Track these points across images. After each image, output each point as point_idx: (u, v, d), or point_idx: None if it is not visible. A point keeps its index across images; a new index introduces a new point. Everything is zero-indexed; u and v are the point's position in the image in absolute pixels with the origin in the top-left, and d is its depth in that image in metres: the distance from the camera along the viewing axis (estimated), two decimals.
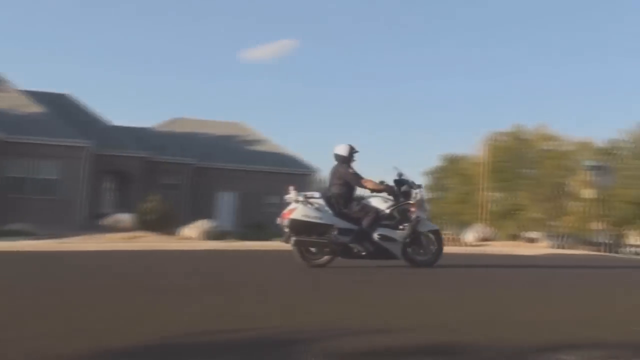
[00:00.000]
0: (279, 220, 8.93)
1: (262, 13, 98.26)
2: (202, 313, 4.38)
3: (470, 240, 24.35)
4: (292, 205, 8.74)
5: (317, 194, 8.92)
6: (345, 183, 8.93)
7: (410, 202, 9.02)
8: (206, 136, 39.74)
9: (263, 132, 43.18)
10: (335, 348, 3.28)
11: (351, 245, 8.67)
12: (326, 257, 8.74)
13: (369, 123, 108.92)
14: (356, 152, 9.19)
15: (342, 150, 9.13)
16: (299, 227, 8.59)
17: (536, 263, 11.80)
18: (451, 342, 3.51)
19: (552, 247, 32.61)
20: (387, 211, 8.94)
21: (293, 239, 8.59)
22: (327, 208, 8.71)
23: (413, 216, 8.93)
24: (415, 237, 8.96)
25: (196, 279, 7.06)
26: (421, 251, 9.03)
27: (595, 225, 35.02)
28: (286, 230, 8.65)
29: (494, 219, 49.20)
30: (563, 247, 36.97)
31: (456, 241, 23.94)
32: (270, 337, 3.57)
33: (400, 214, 8.97)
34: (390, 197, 9.06)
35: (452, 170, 60.54)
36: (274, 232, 14.79)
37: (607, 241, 47.92)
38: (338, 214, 8.74)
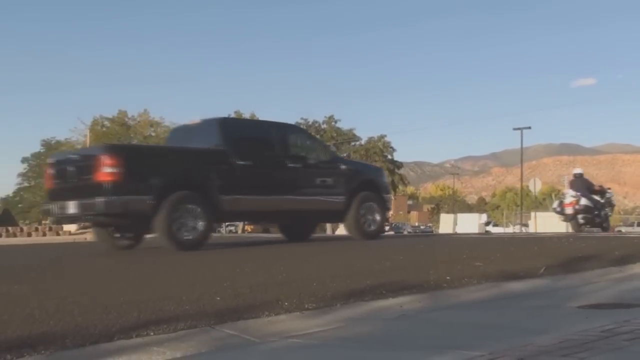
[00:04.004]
0: (558, 208, 15.89)
1: None
2: None
3: (72, 229, 23.21)
4: (571, 199, 15.50)
5: (579, 192, 15.67)
6: (587, 187, 16.00)
7: (608, 196, 16.25)
8: None
9: None
10: None
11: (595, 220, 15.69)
12: (583, 227, 15.47)
13: None
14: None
15: (581, 170, 16.62)
16: (584, 210, 15.34)
17: None
18: None
19: None
20: (602, 201, 15.98)
21: (581, 215, 15.33)
22: None
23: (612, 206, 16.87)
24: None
25: None
26: (604, 224, 15.92)
27: None
28: (572, 212, 15.37)
29: None
30: None
31: (56, 231, 22.53)
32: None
33: (607, 203, 16.20)
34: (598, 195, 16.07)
35: None
36: None
37: None
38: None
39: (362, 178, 10.93)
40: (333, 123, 58.65)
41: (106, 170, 8.28)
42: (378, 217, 10.80)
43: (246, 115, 56.91)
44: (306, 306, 3.96)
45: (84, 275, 6.42)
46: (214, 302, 4.08)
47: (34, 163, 61.84)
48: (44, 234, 21.49)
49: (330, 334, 3.51)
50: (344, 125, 59.65)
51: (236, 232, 56.01)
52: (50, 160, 10.12)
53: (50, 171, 9.56)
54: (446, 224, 50.18)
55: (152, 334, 3.27)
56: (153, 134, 53.83)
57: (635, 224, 47.35)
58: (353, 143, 59.00)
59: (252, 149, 9.89)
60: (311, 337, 3.43)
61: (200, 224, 8.83)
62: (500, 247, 8.19)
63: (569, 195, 15.95)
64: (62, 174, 9.17)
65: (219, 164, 9.37)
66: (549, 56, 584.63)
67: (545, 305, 4.28)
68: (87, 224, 24.10)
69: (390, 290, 4.45)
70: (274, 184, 9.88)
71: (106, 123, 53.38)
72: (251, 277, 5.46)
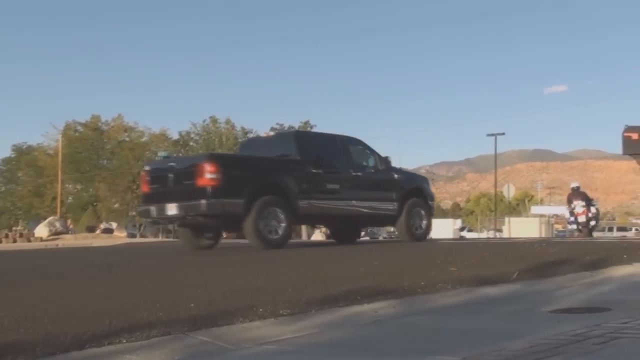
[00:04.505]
0: (572, 218, 17.73)
1: None
2: None
3: (43, 235, 22.86)
4: (582, 208, 17.40)
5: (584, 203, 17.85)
6: (585, 198, 17.85)
7: (597, 206, 18.64)
8: None
9: None
10: None
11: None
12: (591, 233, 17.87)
13: None
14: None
15: (578, 184, 18.66)
16: (595, 217, 17.84)
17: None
18: None
19: (130, 237, 33.08)
20: (595, 212, 18.15)
21: (592, 222, 17.65)
22: None
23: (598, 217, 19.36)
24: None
25: None
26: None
27: None
28: (585, 220, 17.34)
29: (72, 212, 47.37)
30: (142, 236, 37.89)
31: (27, 237, 22.17)
32: None
33: (597, 212, 18.70)
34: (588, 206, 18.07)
35: (24, 162, 55.85)
36: None
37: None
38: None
39: (411, 186, 12.05)
40: (309, 128, 58.61)
41: (208, 176, 9.22)
42: (425, 222, 11.97)
43: (222, 120, 56.72)
44: (281, 312, 3.94)
45: (55, 283, 6.32)
46: (188, 308, 4.04)
47: (5, 169, 60.77)
48: (15, 241, 21.16)
49: (304, 340, 3.50)
50: (319, 130, 59.69)
51: None
52: (146, 168, 11.05)
53: (147, 177, 10.41)
54: None
55: (124, 341, 3.23)
56: (127, 138, 53.30)
57: (607, 229, 48.13)
58: None
59: (322, 158, 10.92)
60: (285, 343, 3.42)
61: (282, 226, 9.77)
62: (474, 252, 8.26)
63: (579, 205, 17.69)
64: (161, 179, 10.00)
65: (296, 172, 10.37)
66: (522, 63, 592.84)
67: (518, 309, 4.33)
68: (57, 231, 23.82)
69: (365, 295, 4.45)
70: (341, 191, 10.99)
71: (79, 128, 52.68)
72: (226, 283, 5.42)
